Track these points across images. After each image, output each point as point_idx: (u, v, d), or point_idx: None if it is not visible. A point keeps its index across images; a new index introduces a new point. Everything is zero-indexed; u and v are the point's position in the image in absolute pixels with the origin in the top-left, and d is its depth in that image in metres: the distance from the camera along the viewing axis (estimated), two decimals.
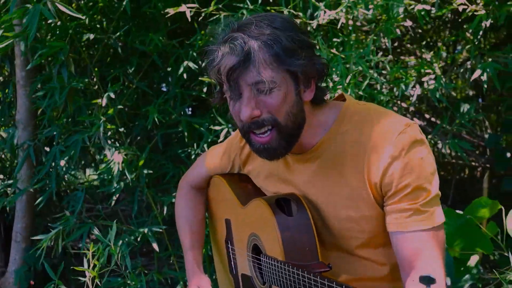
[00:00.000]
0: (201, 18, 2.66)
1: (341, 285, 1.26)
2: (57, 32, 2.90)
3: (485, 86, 2.58)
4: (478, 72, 2.60)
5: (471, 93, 4.11)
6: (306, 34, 1.45)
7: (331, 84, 2.62)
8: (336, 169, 1.47)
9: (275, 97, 1.38)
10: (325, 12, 2.60)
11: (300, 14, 2.67)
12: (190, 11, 2.60)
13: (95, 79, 2.98)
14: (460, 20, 2.72)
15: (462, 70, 2.81)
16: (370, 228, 1.46)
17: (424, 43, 3.62)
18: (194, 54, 2.96)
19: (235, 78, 1.37)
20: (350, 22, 2.80)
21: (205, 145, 2.90)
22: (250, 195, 1.68)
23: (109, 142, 2.90)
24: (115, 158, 2.79)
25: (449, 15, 2.85)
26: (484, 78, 2.58)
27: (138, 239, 2.88)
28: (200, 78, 2.86)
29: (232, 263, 1.83)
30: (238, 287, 1.79)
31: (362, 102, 1.55)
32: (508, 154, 3.29)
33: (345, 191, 1.45)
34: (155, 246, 2.86)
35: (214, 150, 1.89)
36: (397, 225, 1.39)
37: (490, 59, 2.70)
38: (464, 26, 2.85)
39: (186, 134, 2.99)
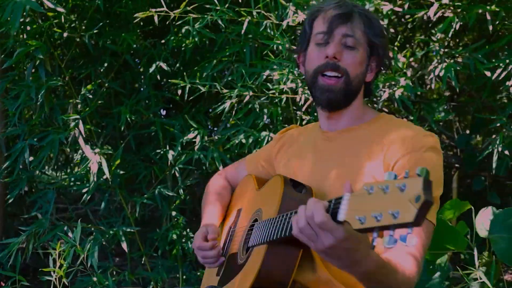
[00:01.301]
0: (169, 20, 2.65)
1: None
2: (30, 29, 2.87)
3: (444, 86, 2.62)
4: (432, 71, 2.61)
5: (446, 93, 4.14)
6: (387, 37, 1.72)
7: (300, 84, 2.63)
8: (358, 150, 1.62)
9: (355, 55, 1.62)
10: (294, 12, 2.60)
11: (272, 15, 2.67)
12: (159, 16, 2.60)
13: (66, 78, 2.96)
14: (432, 21, 2.75)
15: (430, 69, 2.82)
16: None
17: (397, 44, 3.64)
18: (167, 54, 2.96)
19: (334, 25, 1.61)
20: None
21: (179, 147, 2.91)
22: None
23: (83, 141, 2.88)
24: (93, 158, 2.78)
25: (422, 16, 2.86)
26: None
27: (108, 240, 2.88)
28: (171, 81, 2.85)
29: (226, 245, 1.89)
30: (221, 267, 1.84)
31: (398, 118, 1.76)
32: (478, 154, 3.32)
33: (360, 169, 1.58)
34: (124, 246, 2.86)
35: (253, 154, 2.14)
36: None
37: (453, 60, 2.73)
38: (436, 28, 2.87)
39: (160, 135, 2.98)
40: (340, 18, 1.62)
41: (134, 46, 2.95)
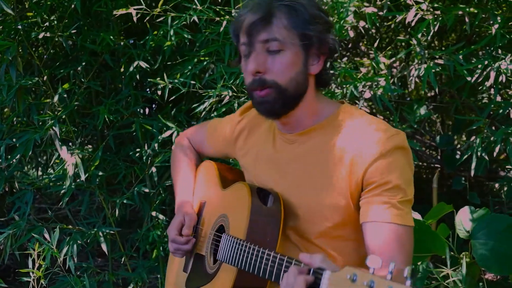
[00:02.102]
0: (148, 19, 2.63)
1: (291, 258, 1.32)
2: (6, 29, 2.85)
3: (424, 88, 2.62)
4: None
5: (429, 94, 4.16)
6: (327, 14, 1.55)
7: None
8: (321, 156, 1.54)
9: (282, 59, 1.48)
10: None
11: None
12: (137, 13, 2.59)
13: (45, 78, 2.94)
14: (413, 23, 2.75)
15: (410, 70, 2.83)
16: (334, 217, 1.52)
17: (379, 45, 3.65)
18: (147, 54, 2.94)
19: (252, 34, 1.48)
20: None
21: (156, 145, 2.89)
22: (234, 182, 1.75)
23: (60, 142, 2.86)
24: (69, 159, 2.76)
25: (403, 17, 2.87)
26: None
27: (88, 240, 2.86)
28: (150, 80, 2.83)
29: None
30: (187, 265, 1.82)
31: (359, 109, 1.64)
32: (458, 155, 3.35)
33: (324, 177, 1.52)
34: (103, 246, 2.84)
35: (214, 124, 1.97)
36: (375, 215, 1.45)
37: (433, 62, 2.73)
38: (415, 30, 2.87)
39: (138, 134, 2.96)
40: (257, 24, 1.47)
41: (114, 45, 2.93)
